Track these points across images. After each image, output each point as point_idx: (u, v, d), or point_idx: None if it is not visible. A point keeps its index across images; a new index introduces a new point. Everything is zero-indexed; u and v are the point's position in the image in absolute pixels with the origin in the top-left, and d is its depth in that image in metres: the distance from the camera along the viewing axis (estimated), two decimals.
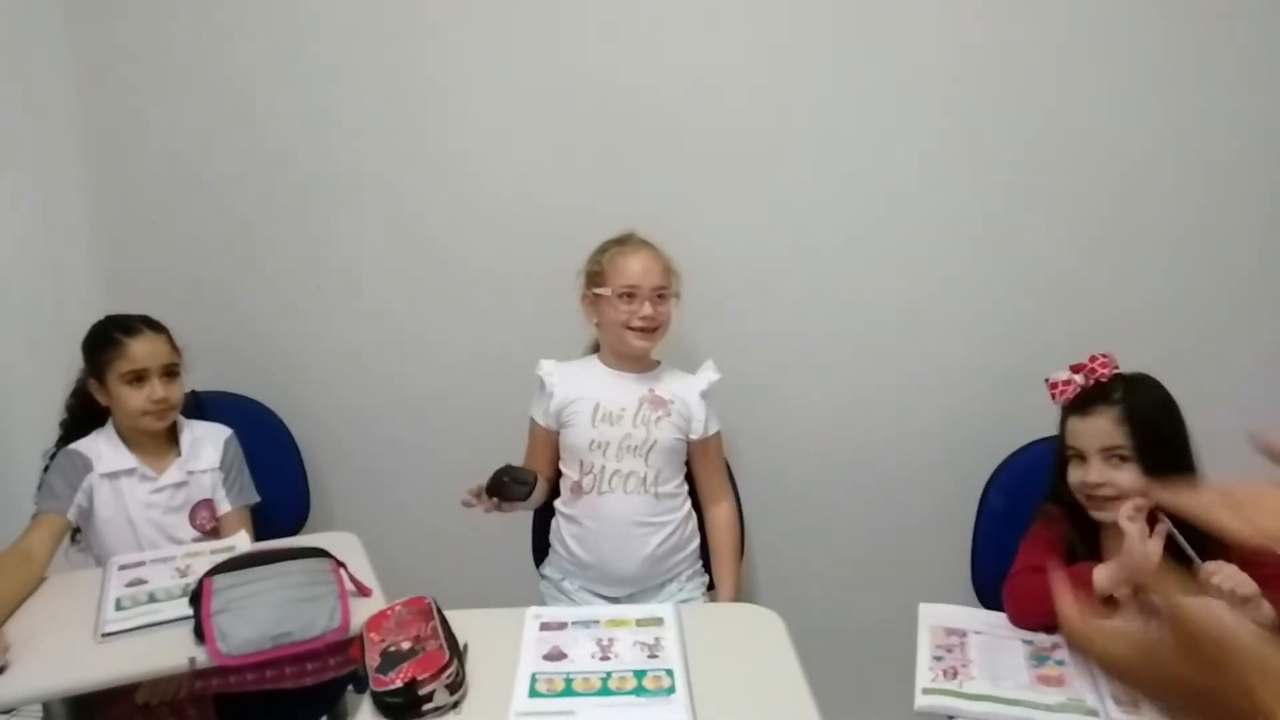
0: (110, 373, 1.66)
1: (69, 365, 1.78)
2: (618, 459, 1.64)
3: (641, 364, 1.72)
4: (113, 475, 1.67)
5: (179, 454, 1.74)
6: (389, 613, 1.33)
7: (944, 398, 1.89)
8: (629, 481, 1.64)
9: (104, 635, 1.36)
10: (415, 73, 1.89)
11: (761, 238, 1.87)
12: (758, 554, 2.00)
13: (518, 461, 1.70)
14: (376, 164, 1.95)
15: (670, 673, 1.24)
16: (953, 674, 1.26)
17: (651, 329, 1.65)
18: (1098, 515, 1.40)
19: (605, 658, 1.28)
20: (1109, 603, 1.29)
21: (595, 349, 1.78)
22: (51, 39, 2.00)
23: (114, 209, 2.07)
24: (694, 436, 1.70)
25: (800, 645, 1.34)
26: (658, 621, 1.39)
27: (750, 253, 1.88)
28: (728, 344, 1.85)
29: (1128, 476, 1.36)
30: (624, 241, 1.68)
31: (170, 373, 1.70)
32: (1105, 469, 1.37)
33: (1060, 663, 1.28)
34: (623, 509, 1.64)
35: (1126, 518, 1.28)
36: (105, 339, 1.68)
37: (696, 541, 1.73)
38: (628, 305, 1.63)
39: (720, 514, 1.75)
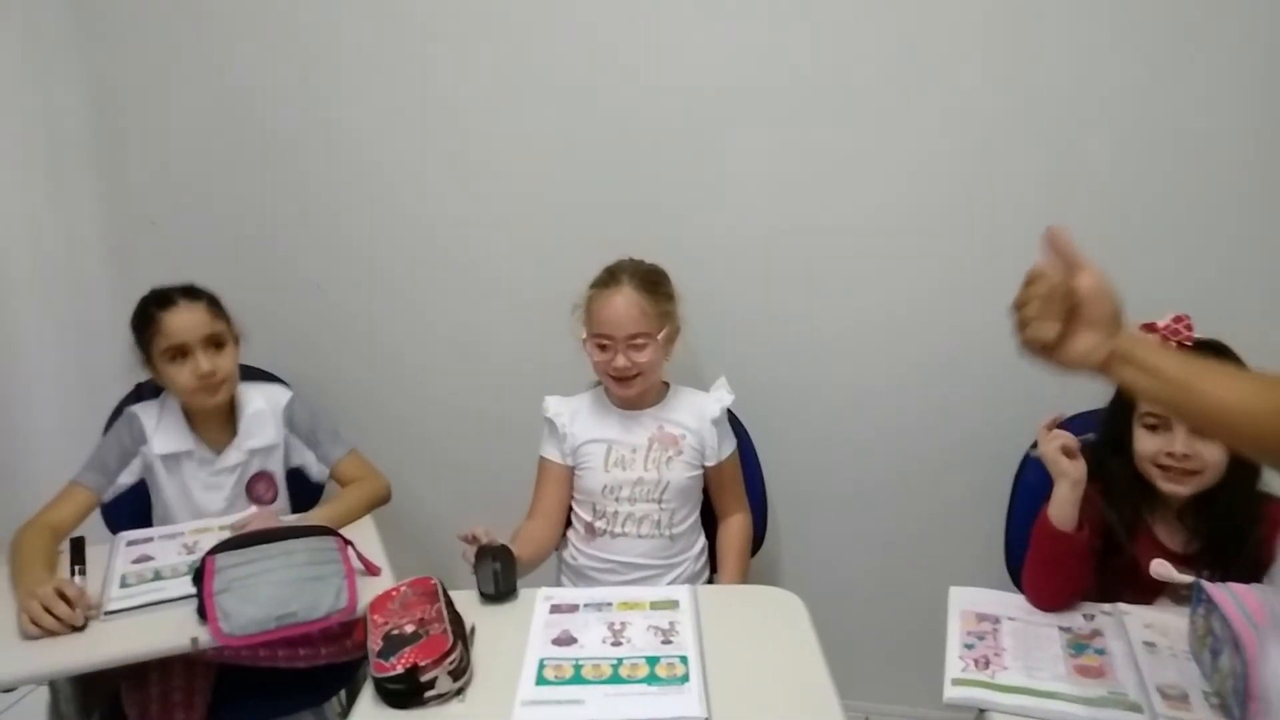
0: (154, 351, 1.59)
1: (82, 361, 1.75)
2: (630, 503, 1.58)
3: (648, 396, 1.63)
4: (169, 457, 1.64)
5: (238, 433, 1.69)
6: (394, 594, 1.29)
7: (973, 376, 1.79)
8: (642, 525, 1.58)
9: (106, 614, 1.33)
10: (435, 69, 1.84)
11: (787, 220, 1.78)
12: (783, 540, 1.93)
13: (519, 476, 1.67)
14: (392, 163, 1.92)
15: (684, 660, 1.18)
16: (984, 664, 1.19)
17: (628, 378, 1.56)
18: (1169, 488, 1.29)
19: (617, 643, 1.23)
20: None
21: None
22: (65, 50, 2.00)
23: (123, 210, 2.08)
24: (709, 464, 1.63)
25: (825, 634, 1.27)
26: (673, 604, 1.33)
27: (776, 238, 1.79)
28: (752, 327, 1.80)
29: (1214, 452, 1.26)
30: (607, 281, 1.57)
31: (215, 343, 1.61)
32: (1191, 439, 1.27)
33: (1100, 651, 1.21)
34: (636, 551, 1.58)
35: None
36: (144, 316, 1.60)
37: (707, 575, 1.68)
38: (603, 353, 1.55)
39: (732, 523, 1.68)
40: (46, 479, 1.70)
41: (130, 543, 1.54)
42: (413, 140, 1.89)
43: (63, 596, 1.29)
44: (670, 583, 1.57)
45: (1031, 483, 1.60)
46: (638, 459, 1.58)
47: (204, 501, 1.68)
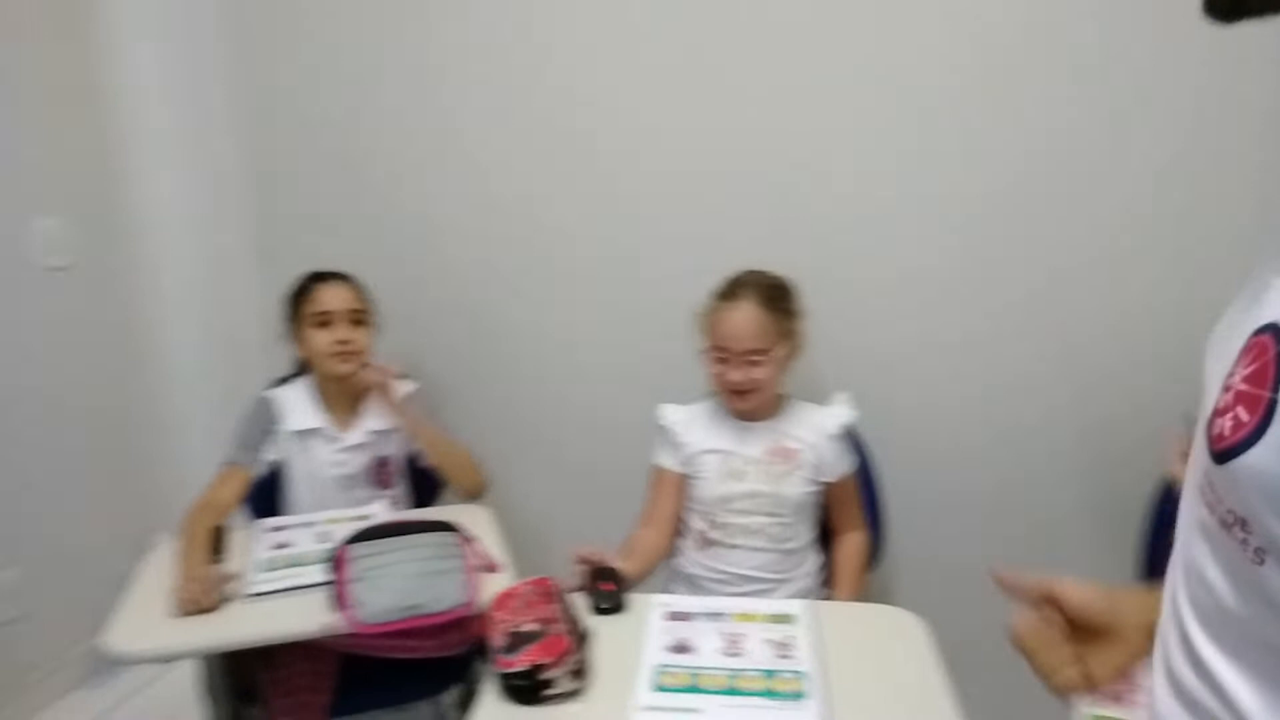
0: (301, 317, 1.73)
1: (231, 350, 1.87)
2: (745, 515, 1.57)
3: (765, 408, 1.61)
4: (300, 434, 1.75)
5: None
6: (515, 593, 1.32)
7: (1103, 382, 1.71)
8: (757, 538, 1.57)
9: (250, 595, 1.42)
10: (571, 72, 1.89)
11: (900, 231, 1.76)
12: (900, 558, 1.88)
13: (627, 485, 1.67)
14: (522, 164, 1.96)
15: (802, 675, 1.17)
16: (1116, 697, 1.13)
17: (743, 392, 1.54)
18: None
19: (733, 654, 1.22)
20: None
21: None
22: (221, 54, 2.12)
23: (269, 212, 2.20)
24: (826, 480, 1.60)
25: (946, 654, 1.23)
26: (789, 619, 1.32)
27: (890, 250, 1.77)
28: (874, 339, 1.78)
29: None
30: (729, 294, 1.55)
31: (357, 320, 1.74)
32: None
33: None
34: (749, 564, 1.57)
35: None
36: (300, 287, 1.77)
37: (823, 591, 1.64)
38: (720, 365, 1.54)
39: (849, 540, 1.66)
40: (191, 468, 1.83)
41: (270, 529, 1.63)
42: (544, 142, 1.93)
43: (206, 584, 1.39)
44: (785, 597, 1.55)
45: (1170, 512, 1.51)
46: (753, 471, 1.57)
47: (329, 480, 1.77)
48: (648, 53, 1.82)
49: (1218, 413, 0.47)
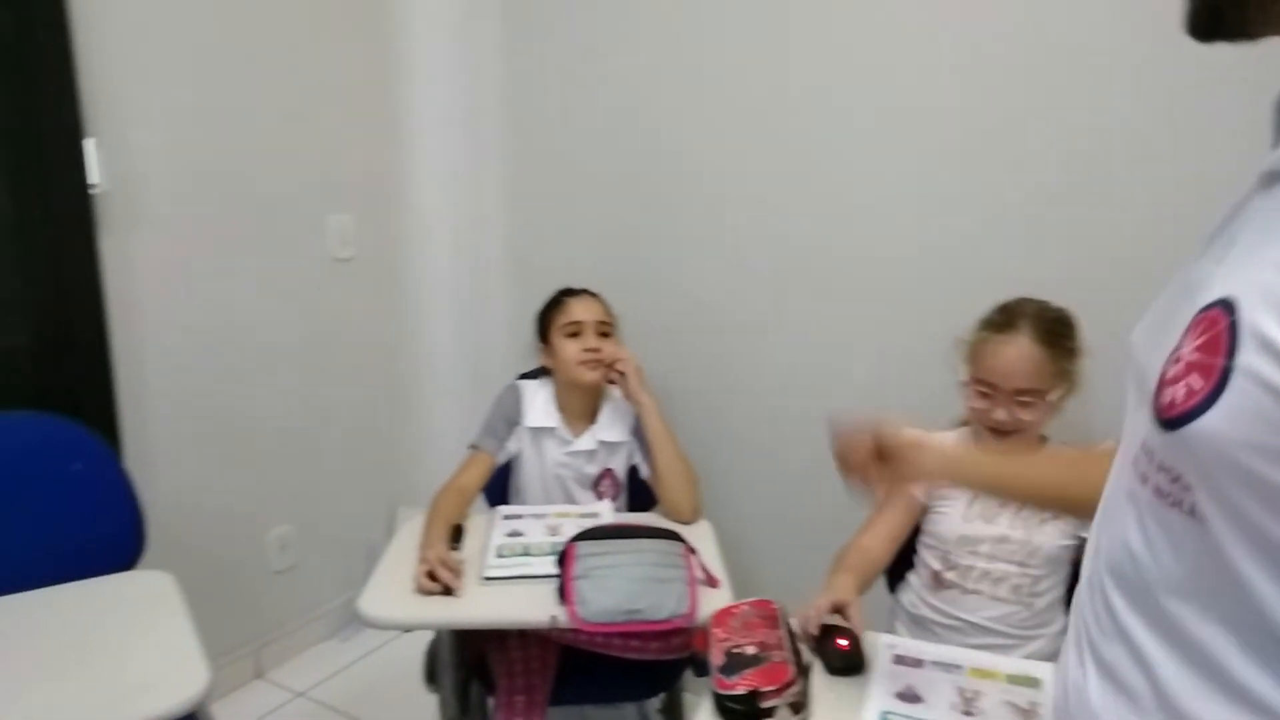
0: (553, 328, 1.83)
1: (480, 343, 1.98)
2: (989, 560, 1.44)
3: (1025, 449, 1.46)
4: (536, 431, 1.84)
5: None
6: (735, 611, 1.30)
7: None
8: (1000, 587, 1.43)
9: (485, 579, 1.50)
10: (818, 78, 1.86)
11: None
12: None
13: None
14: (766, 172, 1.95)
15: None
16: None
17: (1005, 432, 1.40)
18: None
19: (969, 712, 1.13)
20: None
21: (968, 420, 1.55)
22: (493, 49, 2.28)
23: (523, 210, 2.33)
24: (1086, 535, 1.41)
25: None
26: (1034, 682, 1.19)
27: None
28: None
29: None
30: (1003, 325, 1.41)
31: (604, 332, 1.83)
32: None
33: None
34: (987, 614, 1.44)
35: None
36: (552, 301, 1.87)
37: None
38: (983, 401, 1.41)
39: None
40: (443, 452, 1.97)
41: (505, 516, 1.72)
42: (793, 148, 1.91)
43: (445, 565, 1.47)
44: (1026, 656, 1.41)
45: None
46: (1004, 514, 1.44)
47: (554, 479, 1.84)
48: (907, 55, 1.75)
49: (1166, 383, 0.50)
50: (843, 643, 1.22)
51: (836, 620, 1.25)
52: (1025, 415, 1.38)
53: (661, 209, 2.11)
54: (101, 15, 1.76)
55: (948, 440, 1.50)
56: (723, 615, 1.29)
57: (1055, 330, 1.39)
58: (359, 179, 2.36)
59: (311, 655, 2.39)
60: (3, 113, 1.62)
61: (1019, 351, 1.38)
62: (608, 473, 1.86)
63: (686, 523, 1.74)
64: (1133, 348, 0.63)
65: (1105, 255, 1.61)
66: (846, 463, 1.08)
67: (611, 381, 1.83)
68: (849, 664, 1.21)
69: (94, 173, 1.76)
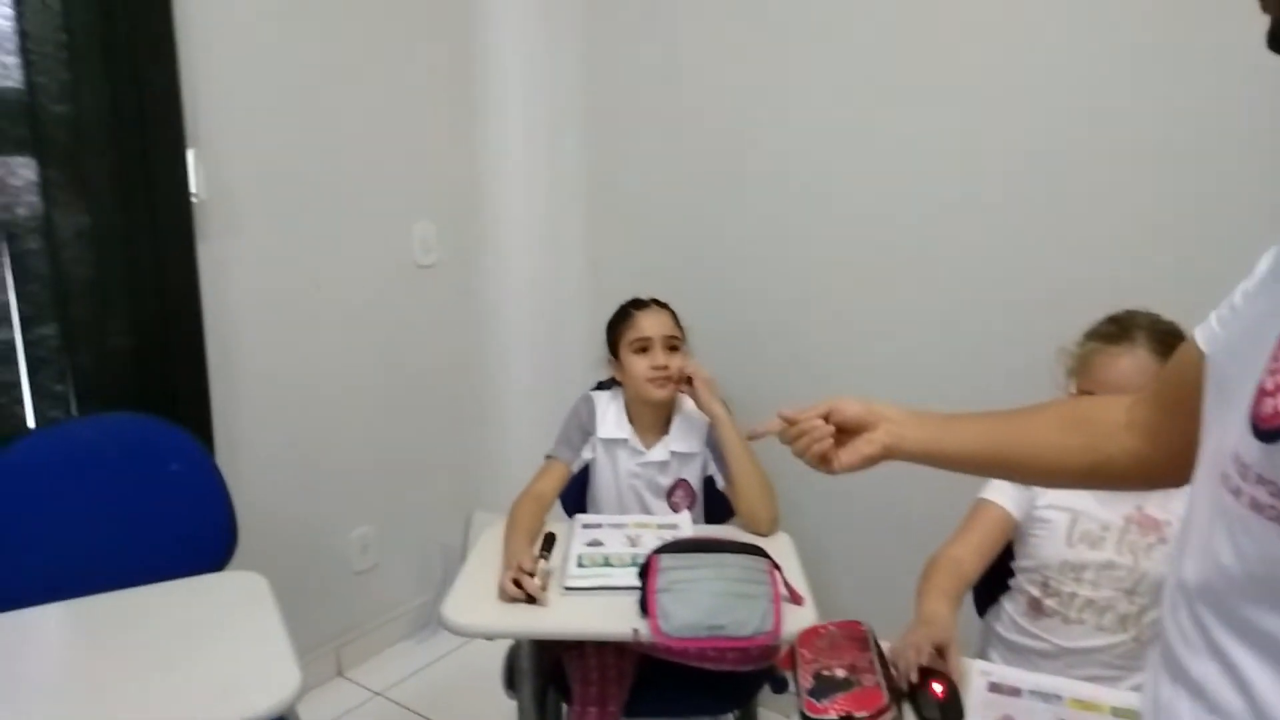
0: (622, 343, 1.81)
1: (557, 352, 1.97)
2: (1094, 587, 1.36)
3: None
4: (608, 442, 1.84)
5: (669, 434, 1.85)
6: (821, 631, 1.27)
7: None
8: (1104, 616, 1.36)
9: (567, 588, 1.49)
10: (894, 87, 1.83)
11: None
12: None
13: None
14: (844, 179, 1.93)
15: None
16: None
17: None
18: None
19: None
20: None
21: None
22: (572, 44, 2.29)
23: (601, 218, 2.33)
24: None
25: None
26: (1139, 716, 1.13)
27: None
28: None
29: None
30: (1116, 336, 1.35)
31: (672, 346, 1.80)
32: None
33: None
34: (1090, 644, 1.37)
35: None
36: (620, 314, 1.86)
37: None
38: None
39: None
40: (520, 458, 1.98)
41: (585, 525, 1.71)
42: (878, 154, 1.88)
43: (530, 574, 1.47)
44: (1132, 688, 1.35)
45: None
46: (1109, 539, 1.37)
47: (628, 489, 1.83)
48: (991, 65, 1.70)
49: (1265, 394, 0.49)
50: (938, 689, 1.15)
51: (933, 663, 1.18)
52: None
53: (739, 216, 2.09)
54: (202, 31, 1.82)
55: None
56: (809, 635, 1.27)
57: (1169, 343, 1.32)
58: (443, 187, 2.40)
59: (390, 655, 2.44)
60: (111, 126, 1.68)
61: (1135, 363, 1.32)
62: (681, 483, 1.84)
63: (764, 534, 1.71)
64: (1211, 359, 0.60)
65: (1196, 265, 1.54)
66: (803, 445, 1.01)
67: (684, 391, 1.81)
68: (945, 714, 1.14)
69: (194, 183, 1.82)
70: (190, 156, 1.81)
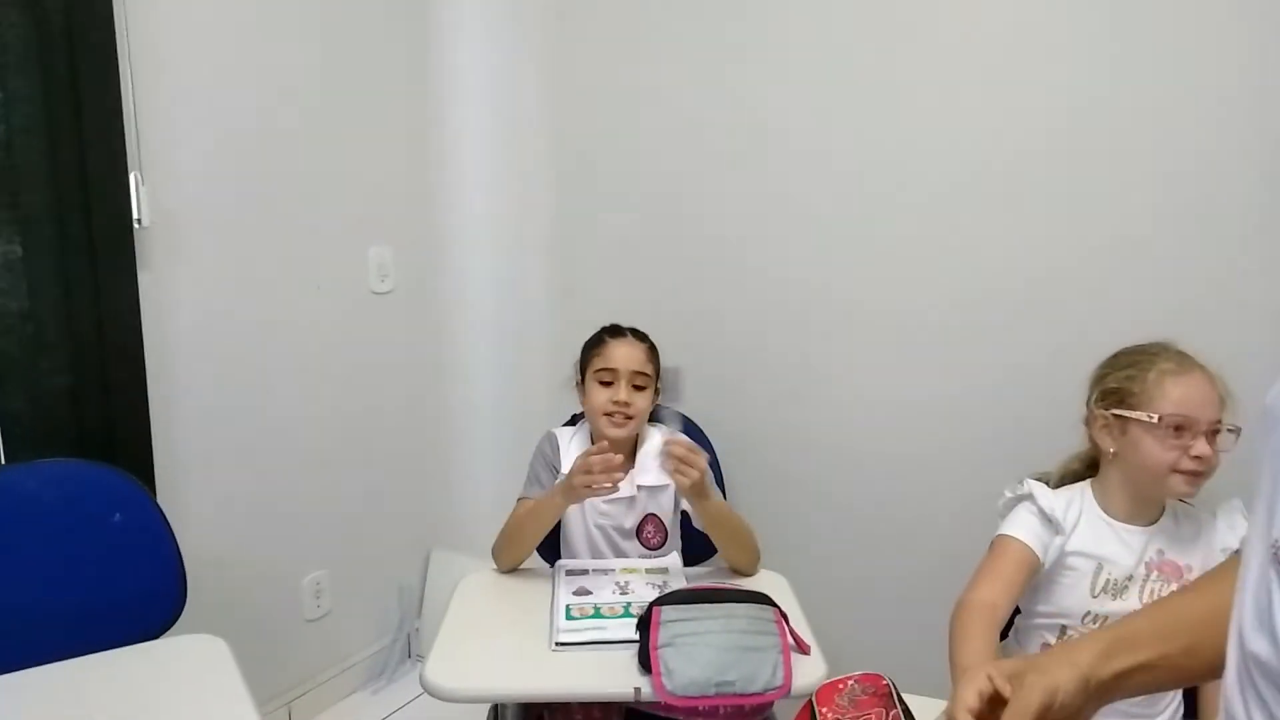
0: (589, 369, 1.72)
1: (520, 382, 1.90)
2: None
3: (1150, 509, 1.36)
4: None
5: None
6: (841, 687, 1.21)
7: None
8: None
9: (557, 644, 1.40)
10: (896, 103, 1.79)
11: None
12: None
13: None
14: (836, 209, 1.89)
15: None
16: None
17: (1199, 474, 1.26)
18: None
19: None
20: None
21: (1082, 474, 1.42)
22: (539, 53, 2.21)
23: (568, 246, 2.25)
24: None
25: None
26: None
27: None
28: None
29: None
30: (1180, 359, 1.29)
31: (640, 385, 1.69)
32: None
33: None
34: None
35: None
36: (595, 339, 1.75)
37: None
38: (1178, 440, 1.25)
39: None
40: (479, 493, 1.87)
41: (569, 573, 1.62)
42: (869, 189, 1.85)
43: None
44: None
45: None
46: (1133, 589, 1.32)
47: (597, 528, 1.72)
48: (987, 109, 1.68)
49: None
50: None
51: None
52: (1217, 450, 1.26)
53: (717, 247, 2.03)
54: (149, 48, 1.69)
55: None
56: (828, 692, 1.20)
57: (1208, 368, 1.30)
58: (399, 209, 2.28)
59: (343, 709, 2.28)
60: (46, 146, 1.54)
61: (1208, 380, 1.27)
62: (650, 518, 1.74)
63: (749, 575, 1.67)
64: (1273, 412, 0.56)
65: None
66: None
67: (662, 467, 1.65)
68: None
69: (137, 207, 1.68)
70: (133, 179, 1.67)
